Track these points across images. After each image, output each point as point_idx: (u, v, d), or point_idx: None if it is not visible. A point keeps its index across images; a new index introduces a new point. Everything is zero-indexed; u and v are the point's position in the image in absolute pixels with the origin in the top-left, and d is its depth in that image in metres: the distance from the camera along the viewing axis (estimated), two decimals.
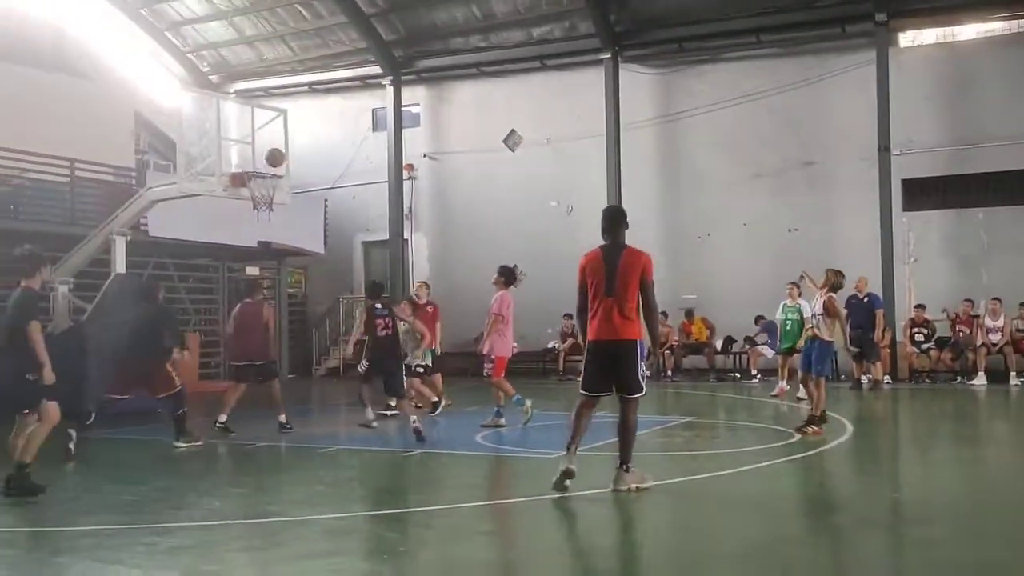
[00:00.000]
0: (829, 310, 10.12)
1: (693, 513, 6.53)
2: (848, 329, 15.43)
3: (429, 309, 13.59)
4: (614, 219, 7.05)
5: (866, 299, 15.97)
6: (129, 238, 13.83)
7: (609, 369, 6.72)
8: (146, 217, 15.27)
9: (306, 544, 5.70)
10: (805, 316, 13.57)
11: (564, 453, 6.76)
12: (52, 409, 6.94)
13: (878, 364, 16.12)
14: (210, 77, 24.02)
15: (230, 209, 15.08)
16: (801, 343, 13.61)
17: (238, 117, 14.16)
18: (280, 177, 12.62)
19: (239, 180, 12.40)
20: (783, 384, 14.58)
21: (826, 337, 10.14)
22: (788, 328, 14.44)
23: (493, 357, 10.96)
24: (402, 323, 11.41)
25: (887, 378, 16.50)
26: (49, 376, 6.88)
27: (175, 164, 13.69)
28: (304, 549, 5.57)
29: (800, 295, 14.35)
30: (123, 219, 13.48)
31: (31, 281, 7.00)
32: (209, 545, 5.74)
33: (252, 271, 21.43)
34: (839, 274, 10.43)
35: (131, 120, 19.84)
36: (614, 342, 6.67)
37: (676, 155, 20.09)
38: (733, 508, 6.49)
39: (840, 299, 14.79)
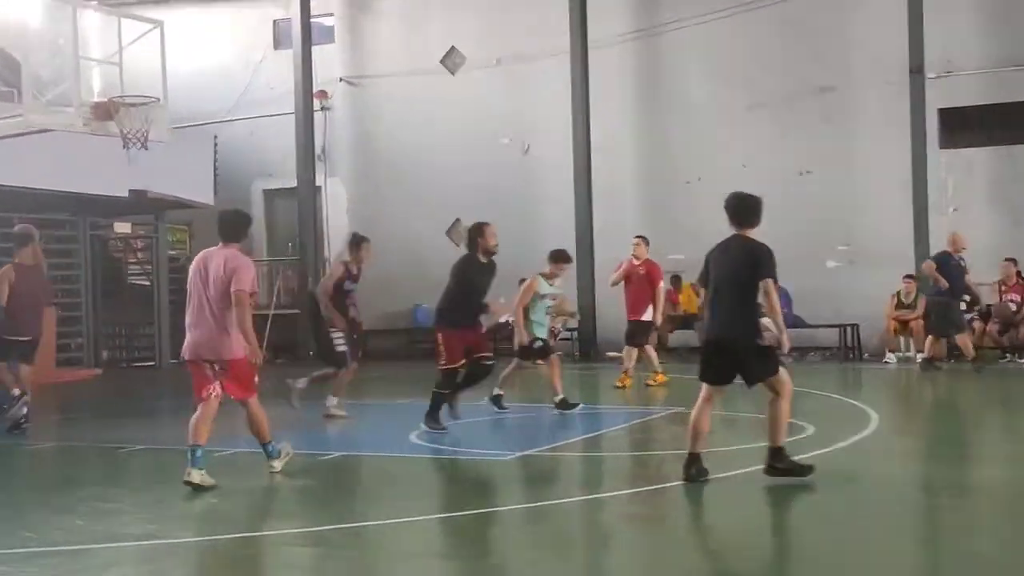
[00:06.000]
0: None
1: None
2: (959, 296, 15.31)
3: (641, 270, 13.89)
4: None
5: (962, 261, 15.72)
6: None
7: None
8: None
9: (198, 573, 5.66)
10: None
11: None
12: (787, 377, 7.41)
13: (961, 338, 15.76)
14: None
15: (93, 149, 14.80)
16: None
17: (102, 31, 13.90)
18: (158, 101, 12.40)
19: (104, 111, 12.23)
20: None
21: None
22: None
23: None
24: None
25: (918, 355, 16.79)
26: (786, 344, 7.33)
27: (20, 91, 13.43)
28: None
29: None
30: None
31: (752, 231, 7.55)
32: None
33: (122, 228, 21.10)
34: None
35: None
36: None
37: (658, 80, 20.13)
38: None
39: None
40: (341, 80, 22.38)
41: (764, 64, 19.42)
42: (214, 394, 7.76)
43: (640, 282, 13.91)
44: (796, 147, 19.16)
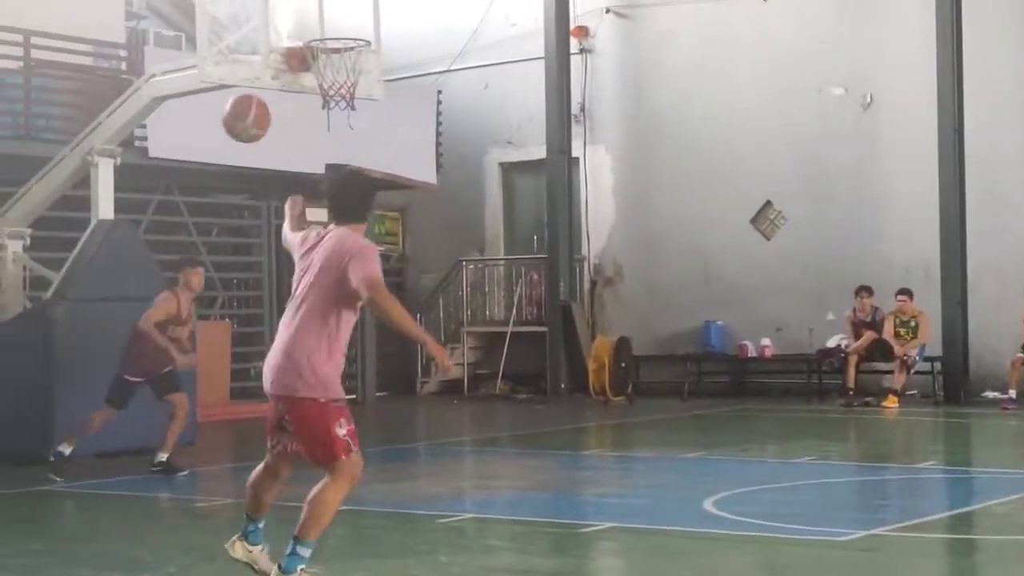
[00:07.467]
0: None
1: None
2: None
3: None
4: None
5: None
6: (119, 161, 14.15)
7: None
8: (145, 126, 15.68)
9: None
10: None
11: None
12: None
13: None
14: None
15: (283, 111, 15.23)
16: None
17: None
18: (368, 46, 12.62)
19: (300, 60, 12.53)
20: None
21: None
22: None
23: None
24: None
25: None
26: None
27: (191, 36, 13.88)
28: None
29: None
30: (109, 130, 13.81)
31: None
32: None
33: (316, 215, 21.60)
34: None
35: None
36: None
37: None
38: None
39: None
40: (608, 11, 22.43)
41: None
42: (277, 450, 6.98)
43: None
44: None
